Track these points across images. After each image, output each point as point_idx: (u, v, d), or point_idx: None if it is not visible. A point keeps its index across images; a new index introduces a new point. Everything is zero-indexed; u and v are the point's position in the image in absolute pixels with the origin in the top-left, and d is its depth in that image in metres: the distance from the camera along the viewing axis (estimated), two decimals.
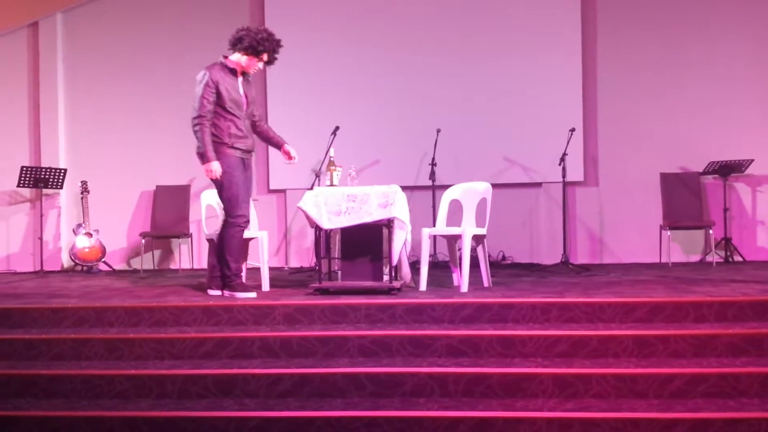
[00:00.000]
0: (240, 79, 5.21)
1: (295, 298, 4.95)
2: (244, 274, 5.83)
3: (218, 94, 5.02)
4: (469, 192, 5.69)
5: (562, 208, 7.28)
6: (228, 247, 5.14)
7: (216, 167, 5.01)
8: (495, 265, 7.32)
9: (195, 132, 5.02)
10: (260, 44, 5.09)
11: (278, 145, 5.51)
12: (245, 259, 5.48)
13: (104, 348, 4.48)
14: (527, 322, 4.51)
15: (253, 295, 5.05)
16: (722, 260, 7.48)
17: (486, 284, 5.56)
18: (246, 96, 5.23)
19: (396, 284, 5.14)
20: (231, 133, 5.11)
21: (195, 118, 5.01)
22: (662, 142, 7.88)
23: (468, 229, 5.38)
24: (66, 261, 8.41)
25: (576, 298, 4.62)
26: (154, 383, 4.14)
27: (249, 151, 5.29)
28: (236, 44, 5.13)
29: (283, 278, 6.25)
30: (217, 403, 4.01)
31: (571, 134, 7.11)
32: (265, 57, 5.16)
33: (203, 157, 5.02)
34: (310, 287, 5.25)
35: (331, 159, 5.69)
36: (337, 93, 8.21)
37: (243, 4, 8.42)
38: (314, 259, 5.85)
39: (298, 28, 8.25)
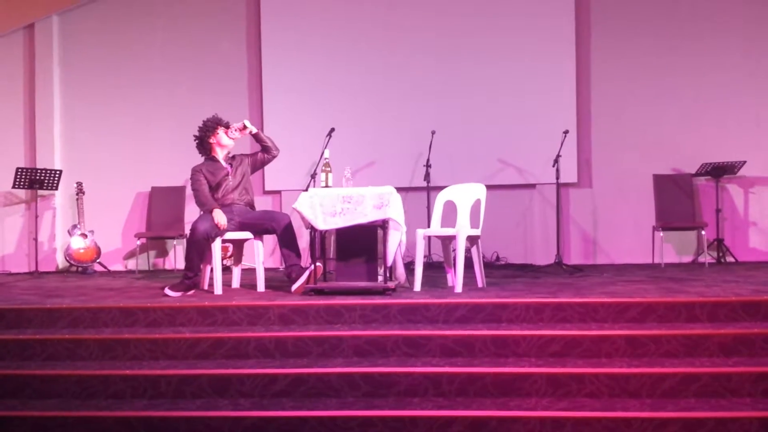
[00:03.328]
0: (224, 162, 5.83)
1: (290, 299, 4.96)
2: (238, 276, 6.01)
3: (207, 178, 5.75)
4: (463, 193, 5.71)
5: (555, 210, 7.31)
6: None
7: (216, 215, 5.53)
8: (489, 266, 7.34)
9: (198, 203, 5.76)
10: (202, 133, 5.80)
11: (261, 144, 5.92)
12: (200, 265, 5.64)
13: (99, 348, 4.49)
14: (521, 322, 4.53)
15: (172, 294, 5.35)
16: (714, 261, 7.52)
17: (480, 285, 5.58)
18: (231, 168, 5.82)
19: (390, 285, 5.16)
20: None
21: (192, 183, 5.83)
22: (655, 144, 7.92)
23: (462, 230, 5.40)
24: (61, 262, 8.40)
25: (569, 299, 4.64)
26: (149, 383, 4.15)
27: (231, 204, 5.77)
28: (198, 149, 5.90)
29: (278, 279, 6.26)
30: (212, 403, 4.03)
31: (565, 136, 7.14)
32: (220, 131, 5.76)
33: (209, 213, 5.56)
34: (305, 287, 5.27)
35: (326, 161, 5.71)
36: (333, 95, 8.23)
37: (239, 8, 8.44)
38: (309, 260, 5.87)
39: (294, 30, 8.29)
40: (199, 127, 5.82)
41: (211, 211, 5.54)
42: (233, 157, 5.92)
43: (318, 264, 5.36)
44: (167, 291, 5.39)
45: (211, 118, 5.84)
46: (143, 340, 4.49)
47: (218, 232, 5.51)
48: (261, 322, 4.69)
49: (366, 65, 8.20)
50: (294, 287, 5.36)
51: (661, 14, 7.98)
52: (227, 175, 5.75)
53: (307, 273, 5.34)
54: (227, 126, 5.84)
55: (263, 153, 5.91)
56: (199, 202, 5.71)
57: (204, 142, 5.82)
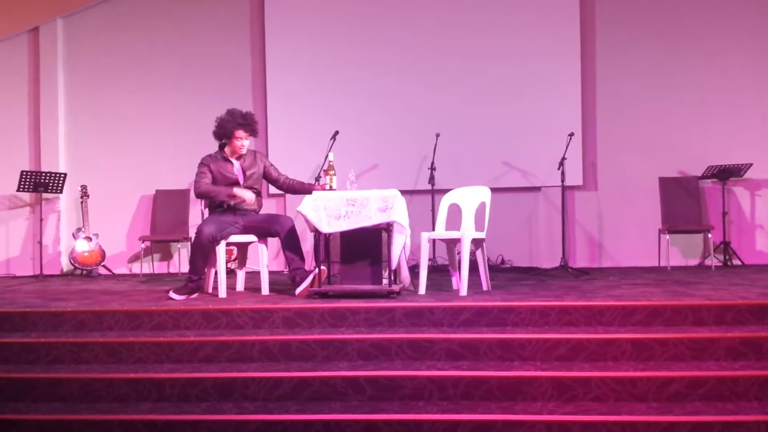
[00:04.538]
0: (237, 162, 5.68)
1: (295, 302, 4.95)
2: (242, 279, 6.05)
3: (213, 176, 5.62)
4: (468, 196, 5.70)
5: (561, 212, 7.29)
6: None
7: (240, 192, 5.51)
8: (494, 269, 7.33)
9: (203, 194, 5.65)
10: (221, 127, 5.59)
11: (310, 190, 5.66)
12: (204, 269, 5.60)
13: (103, 352, 4.49)
14: (526, 325, 4.52)
15: (176, 297, 5.33)
16: (721, 264, 7.49)
17: (485, 288, 5.56)
18: (244, 172, 5.67)
19: (395, 288, 5.14)
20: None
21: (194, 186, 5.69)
22: (661, 147, 7.90)
23: (467, 233, 5.38)
24: (66, 265, 8.41)
25: (575, 302, 4.62)
26: (154, 387, 4.15)
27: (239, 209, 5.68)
28: (215, 136, 5.69)
29: (282, 282, 6.25)
30: (217, 407, 4.02)
31: (570, 138, 7.12)
32: (239, 134, 5.57)
33: (231, 197, 5.55)
34: (310, 291, 5.26)
35: (331, 163, 5.70)
36: (337, 98, 8.23)
37: (243, 11, 8.45)
38: (313, 263, 5.85)
39: (298, 33, 8.29)
40: (227, 113, 5.60)
41: (230, 195, 5.48)
42: (253, 155, 5.75)
43: (322, 267, 5.35)
44: (171, 294, 5.38)
45: (237, 114, 5.57)
46: (148, 344, 4.49)
47: (223, 234, 5.48)
48: (265, 326, 4.68)
49: (370, 68, 8.19)
50: (298, 291, 5.34)
51: (667, 15, 7.97)
52: (237, 183, 5.63)
53: (311, 277, 5.32)
54: (252, 134, 5.60)
55: (284, 185, 5.82)
56: (205, 193, 5.57)
57: (218, 135, 5.65)
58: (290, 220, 5.62)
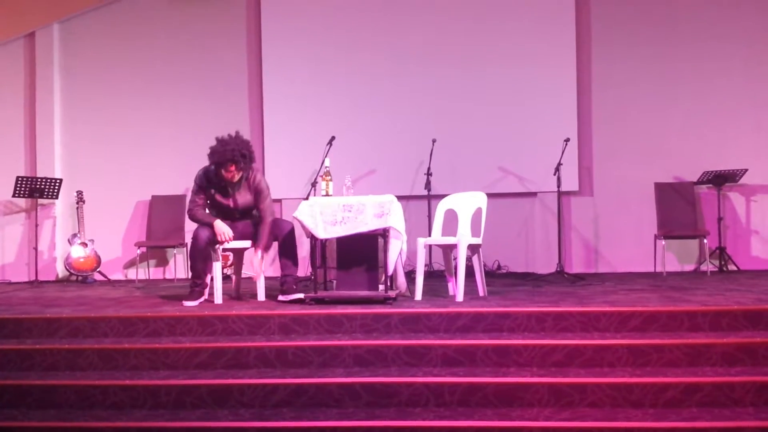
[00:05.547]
0: (233, 190, 5.53)
1: (291, 308, 4.95)
2: (238, 285, 5.96)
3: (209, 195, 5.56)
4: (464, 201, 5.70)
5: (557, 218, 7.30)
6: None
7: (218, 228, 5.40)
8: (490, 275, 7.32)
9: (193, 221, 5.57)
10: (211, 156, 5.40)
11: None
12: (206, 272, 5.56)
13: (99, 358, 4.48)
14: (522, 331, 4.52)
15: (191, 304, 5.30)
16: (717, 269, 7.50)
17: (481, 294, 5.56)
18: (236, 198, 5.53)
19: (391, 294, 5.15)
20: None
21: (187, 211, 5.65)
22: (657, 152, 7.91)
23: (463, 238, 5.38)
24: (61, 271, 8.39)
25: (571, 308, 4.63)
26: (149, 394, 4.14)
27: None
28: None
29: (278, 288, 6.23)
30: (212, 414, 4.01)
31: (566, 144, 7.14)
32: (229, 168, 5.35)
33: (210, 226, 5.43)
34: (306, 297, 5.25)
35: (327, 169, 5.70)
36: (333, 103, 8.23)
37: (240, 16, 8.45)
38: (310, 269, 5.86)
39: (294, 38, 8.30)
40: (215, 150, 5.34)
41: (211, 225, 5.41)
42: (248, 183, 5.53)
43: (303, 296, 5.30)
44: (185, 303, 5.33)
45: (225, 146, 5.31)
46: (143, 350, 4.48)
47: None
48: (261, 332, 4.68)
49: (366, 73, 8.19)
50: (280, 298, 5.39)
51: (662, 21, 7.99)
52: (234, 208, 5.52)
53: (294, 296, 5.34)
54: (238, 163, 5.31)
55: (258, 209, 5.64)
56: (194, 221, 5.52)
57: (213, 163, 5.42)
58: (290, 225, 5.59)
